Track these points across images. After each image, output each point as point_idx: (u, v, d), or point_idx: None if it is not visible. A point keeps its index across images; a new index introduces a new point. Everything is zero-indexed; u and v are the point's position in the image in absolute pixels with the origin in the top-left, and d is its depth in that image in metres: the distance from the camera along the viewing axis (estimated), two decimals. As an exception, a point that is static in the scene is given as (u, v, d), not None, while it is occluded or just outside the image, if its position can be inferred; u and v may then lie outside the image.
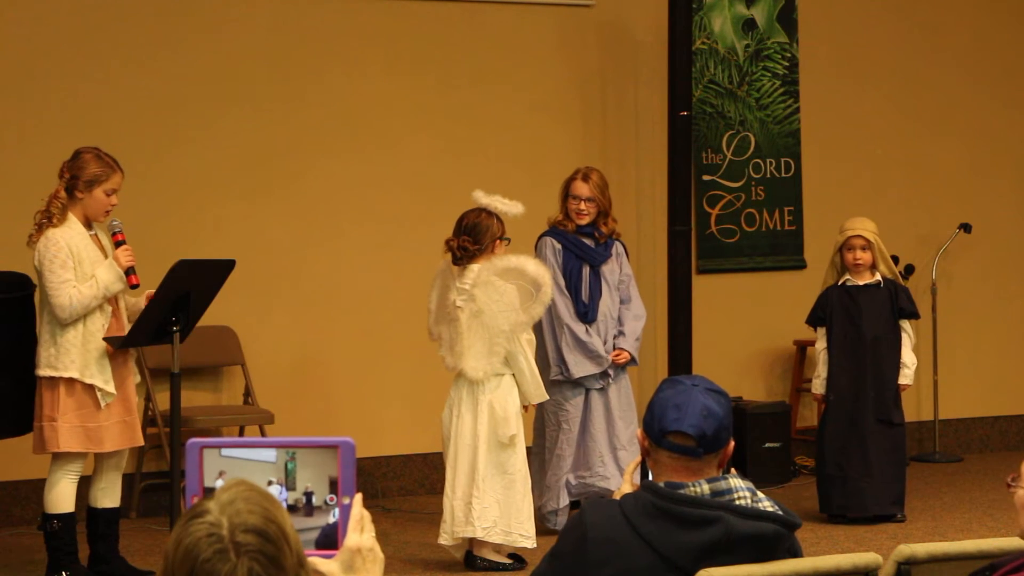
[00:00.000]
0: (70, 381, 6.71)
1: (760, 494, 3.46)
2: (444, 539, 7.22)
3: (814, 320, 8.50)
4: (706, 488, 3.42)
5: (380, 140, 9.11)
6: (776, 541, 3.44)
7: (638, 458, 3.66)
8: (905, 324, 8.42)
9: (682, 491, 3.41)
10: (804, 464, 9.65)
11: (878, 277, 8.39)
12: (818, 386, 8.45)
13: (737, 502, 3.42)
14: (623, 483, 3.70)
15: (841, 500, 8.29)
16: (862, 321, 8.32)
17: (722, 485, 3.43)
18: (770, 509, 3.43)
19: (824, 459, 8.34)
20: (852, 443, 8.28)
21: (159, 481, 8.35)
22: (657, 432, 3.47)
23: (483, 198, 7.31)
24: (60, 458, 6.80)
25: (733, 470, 3.57)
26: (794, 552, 3.51)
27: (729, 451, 3.51)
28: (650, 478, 3.55)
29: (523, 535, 7.19)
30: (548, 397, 7.53)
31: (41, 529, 6.95)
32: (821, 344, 8.46)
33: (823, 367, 8.42)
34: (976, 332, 10.59)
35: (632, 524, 3.42)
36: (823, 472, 8.37)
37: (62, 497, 6.80)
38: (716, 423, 3.45)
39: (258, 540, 2.08)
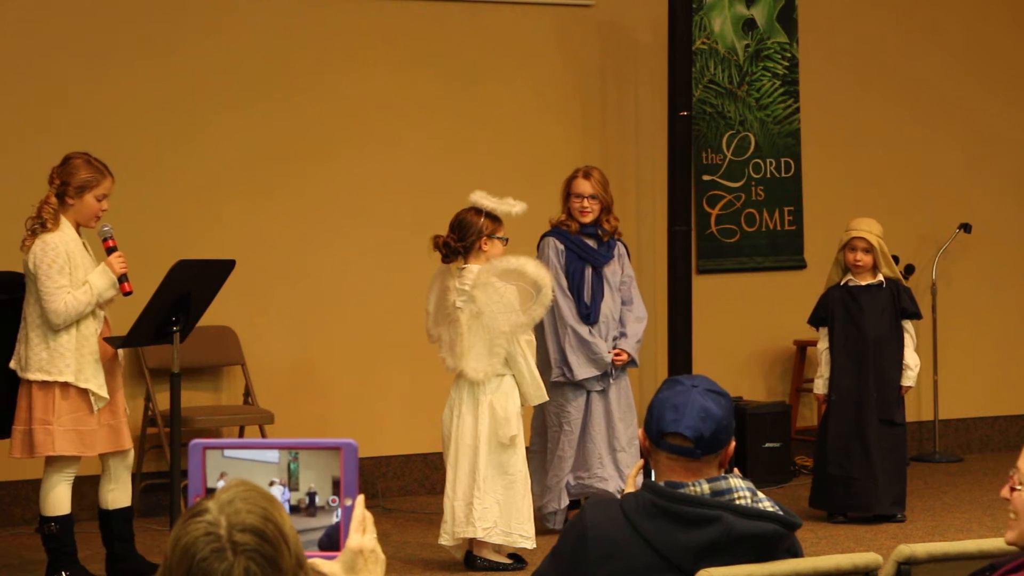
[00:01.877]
0: (64, 385, 6.69)
1: (760, 494, 3.46)
2: (445, 539, 7.22)
3: (816, 320, 8.51)
4: (706, 488, 3.42)
5: (380, 140, 9.11)
6: (776, 541, 3.44)
7: (642, 460, 3.66)
8: (907, 324, 8.42)
9: (682, 490, 3.41)
10: (804, 464, 9.65)
11: (880, 278, 8.39)
12: (820, 386, 8.45)
13: (737, 502, 3.42)
14: (627, 485, 3.70)
15: (843, 500, 8.29)
16: (864, 321, 8.31)
17: (722, 485, 3.43)
18: (770, 509, 3.43)
19: (826, 459, 8.34)
20: (854, 443, 8.28)
21: (159, 481, 8.35)
22: (655, 433, 3.48)
23: (477, 196, 7.30)
24: (56, 462, 6.79)
25: (736, 470, 3.57)
26: (794, 552, 3.51)
27: (730, 451, 3.51)
28: (652, 478, 3.56)
29: (523, 535, 7.19)
30: (548, 398, 7.51)
31: (39, 532, 6.94)
32: (823, 344, 8.46)
33: (825, 367, 8.42)
34: (976, 332, 10.59)
35: (632, 523, 3.42)
36: (823, 471, 8.37)
37: (59, 500, 6.80)
38: (714, 424, 3.45)
39: (255, 540, 2.09)
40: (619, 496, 3.60)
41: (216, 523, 2.09)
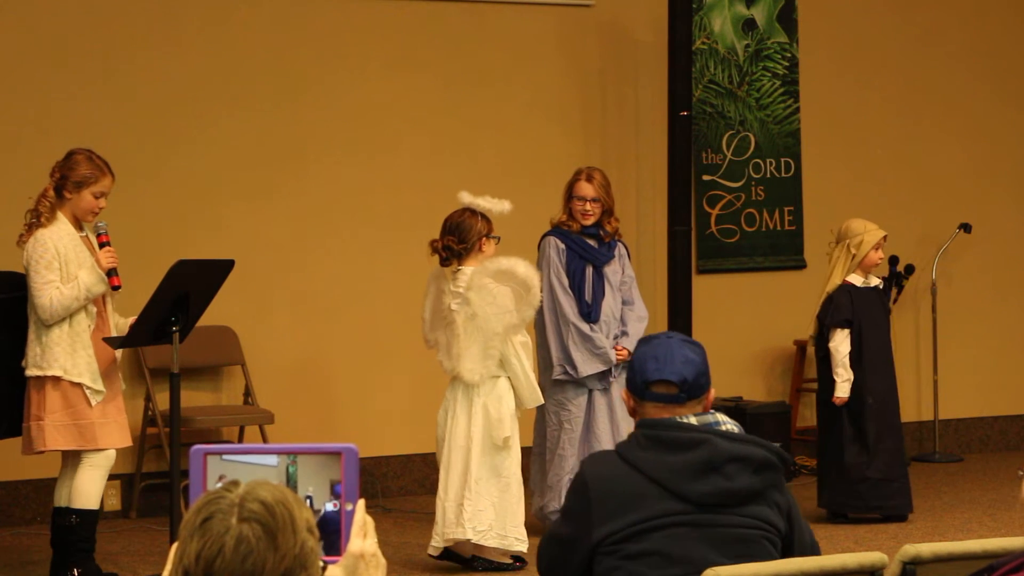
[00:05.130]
0: (56, 379, 6.70)
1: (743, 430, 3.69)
2: (435, 540, 7.18)
3: (837, 322, 8.26)
4: (693, 420, 3.61)
5: (380, 140, 9.11)
6: (765, 467, 3.60)
7: None
8: None
9: (670, 420, 3.60)
10: (804, 464, 9.63)
11: (878, 279, 8.44)
12: (845, 390, 8.24)
13: (722, 429, 3.62)
14: None
15: (881, 502, 8.22)
16: (884, 324, 8.35)
17: (708, 418, 3.63)
18: (752, 437, 3.64)
19: (868, 463, 8.23)
20: (893, 446, 8.26)
21: (159, 481, 8.34)
22: (640, 384, 3.64)
23: (467, 197, 7.31)
24: (90, 455, 6.76)
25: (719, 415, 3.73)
26: (781, 486, 3.66)
27: (711, 397, 3.68)
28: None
29: (518, 538, 7.18)
30: (543, 401, 7.51)
31: (55, 523, 6.87)
32: (845, 347, 8.25)
33: (847, 371, 8.25)
34: (976, 332, 10.59)
35: (626, 459, 3.59)
36: (862, 475, 8.22)
37: (88, 493, 6.76)
38: (695, 369, 3.63)
39: (263, 510, 2.17)
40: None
41: (236, 493, 2.19)
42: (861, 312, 8.30)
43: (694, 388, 3.61)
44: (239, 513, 2.17)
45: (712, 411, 3.65)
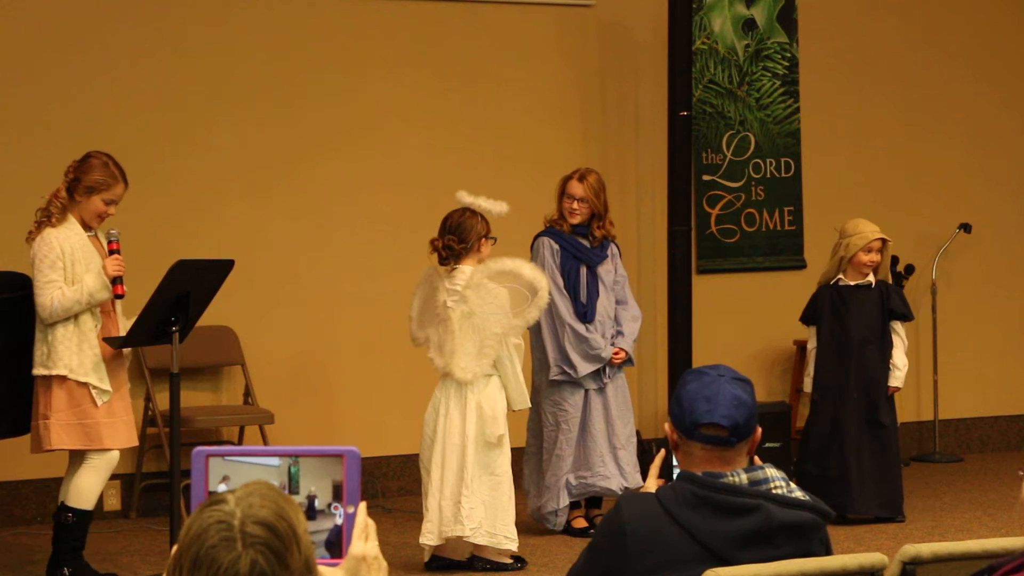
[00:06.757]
0: (62, 379, 6.71)
1: (792, 484, 3.51)
2: (428, 539, 7.18)
3: (806, 318, 8.59)
4: (744, 477, 3.45)
5: (380, 140, 9.11)
6: (812, 530, 3.48)
7: (662, 452, 3.69)
8: (896, 326, 8.41)
9: (722, 480, 3.44)
10: (804, 464, 9.65)
11: (871, 278, 8.40)
12: (807, 384, 8.55)
13: (773, 491, 3.46)
14: (649, 478, 3.73)
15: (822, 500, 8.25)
16: (850, 321, 8.33)
17: (759, 475, 3.47)
18: (804, 498, 3.48)
19: (806, 458, 8.39)
20: (833, 443, 8.29)
21: (159, 481, 8.35)
22: (688, 425, 3.49)
23: (466, 197, 7.32)
24: (92, 456, 6.77)
25: (756, 459, 3.59)
26: (826, 543, 3.55)
27: (757, 438, 3.54)
28: (675, 470, 3.57)
29: (507, 537, 7.17)
30: (530, 405, 7.51)
31: (54, 519, 6.90)
32: (812, 343, 8.52)
33: (812, 366, 8.45)
34: (976, 332, 10.59)
35: (671, 514, 3.43)
36: (802, 469, 8.38)
37: (83, 492, 6.77)
38: (747, 411, 3.49)
39: (266, 533, 2.12)
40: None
41: (231, 513, 2.13)
42: (821, 311, 8.43)
43: (744, 431, 3.48)
44: (243, 539, 2.12)
45: (761, 465, 3.51)
